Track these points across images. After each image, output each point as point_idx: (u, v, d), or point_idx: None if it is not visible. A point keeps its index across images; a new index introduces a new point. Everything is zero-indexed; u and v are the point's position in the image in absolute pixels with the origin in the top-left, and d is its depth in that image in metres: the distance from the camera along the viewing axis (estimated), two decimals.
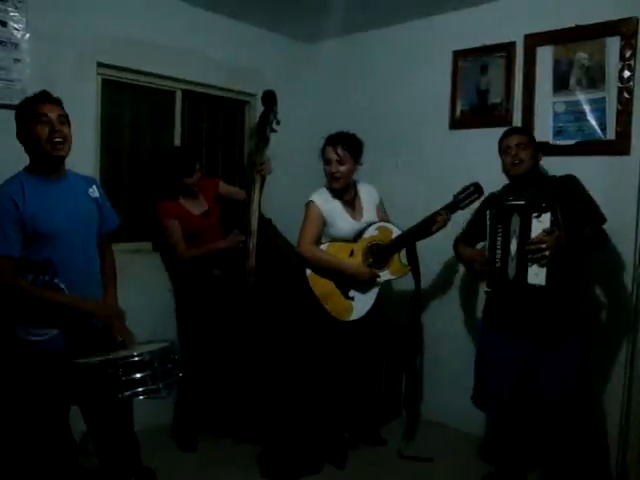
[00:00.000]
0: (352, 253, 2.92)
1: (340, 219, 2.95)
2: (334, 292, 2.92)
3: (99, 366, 1.93)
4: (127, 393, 1.94)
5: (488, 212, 2.56)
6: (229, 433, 3.19)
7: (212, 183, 3.29)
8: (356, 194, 3.03)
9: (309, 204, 2.95)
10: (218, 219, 3.26)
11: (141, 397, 1.97)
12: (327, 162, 2.91)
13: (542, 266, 2.32)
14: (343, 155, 2.87)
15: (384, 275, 2.94)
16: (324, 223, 2.95)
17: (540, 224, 2.33)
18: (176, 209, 3.11)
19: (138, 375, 1.96)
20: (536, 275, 2.34)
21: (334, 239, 2.96)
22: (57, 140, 2.02)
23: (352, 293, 2.92)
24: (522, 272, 2.38)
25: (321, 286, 2.91)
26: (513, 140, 2.58)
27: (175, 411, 3.25)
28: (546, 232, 2.30)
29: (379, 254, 2.92)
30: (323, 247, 2.95)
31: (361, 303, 2.92)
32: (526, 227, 2.37)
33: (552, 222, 2.31)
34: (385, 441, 3.21)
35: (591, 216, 2.47)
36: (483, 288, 2.70)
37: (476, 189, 2.84)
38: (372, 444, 3.18)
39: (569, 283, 2.43)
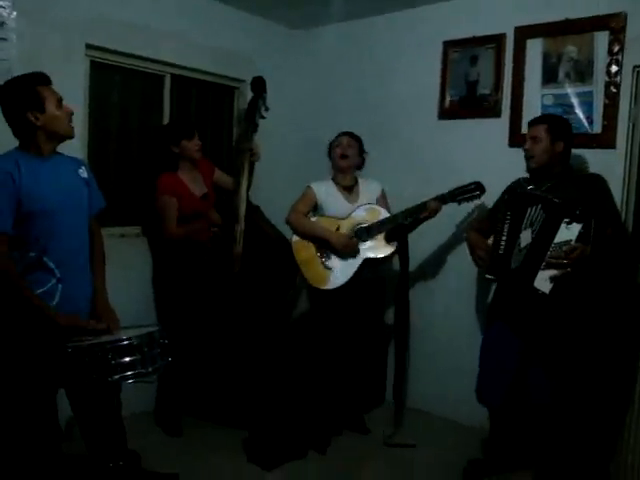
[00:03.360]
0: (338, 228, 3.06)
1: (335, 201, 3.13)
2: (314, 260, 3.07)
3: (89, 349, 1.93)
4: (116, 377, 1.95)
5: (504, 199, 2.52)
6: (215, 418, 3.20)
7: (210, 168, 3.28)
8: (356, 183, 3.20)
9: (306, 187, 3.18)
10: (213, 203, 3.23)
11: (130, 381, 1.98)
12: (338, 144, 3.16)
13: (553, 278, 2.25)
14: (352, 142, 3.16)
15: (366, 252, 3.03)
16: (316, 205, 3.16)
17: (567, 232, 2.23)
18: (177, 185, 3.07)
19: (127, 359, 1.96)
20: (544, 281, 2.27)
21: (324, 215, 3.12)
22: (72, 122, 2.10)
23: (331, 264, 3.05)
24: (529, 271, 2.31)
25: (303, 253, 3.08)
26: (530, 132, 2.56)
27: (157, 396, 3.25)
28: (571, 245, 2.21)
29: (364, 232, 3.04)
30: (312, 219, 3.14)
31: (338, 275, 3.03)
32: (551, 228, 2.27)
33: (580, 235, 2.22)
34: (369, 430, 3.22)
35: (611, 224, 2.38)
36: (483, 275, 2.70)
37: (477, 187, 2.85)
38: (356, 432, 3.21)
39: (575, 292, 2.35)
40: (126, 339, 1.98)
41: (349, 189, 3.18)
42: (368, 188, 3.21)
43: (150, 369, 2.01)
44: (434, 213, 2.90)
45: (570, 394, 2.43)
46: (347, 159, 3.13)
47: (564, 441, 2.49)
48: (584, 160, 2.84)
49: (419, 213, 2.91)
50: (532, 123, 2.61)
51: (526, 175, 2.65)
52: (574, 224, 2.24)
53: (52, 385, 2.09)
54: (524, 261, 2.36)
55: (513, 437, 2.65)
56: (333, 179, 3.21)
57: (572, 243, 2.24)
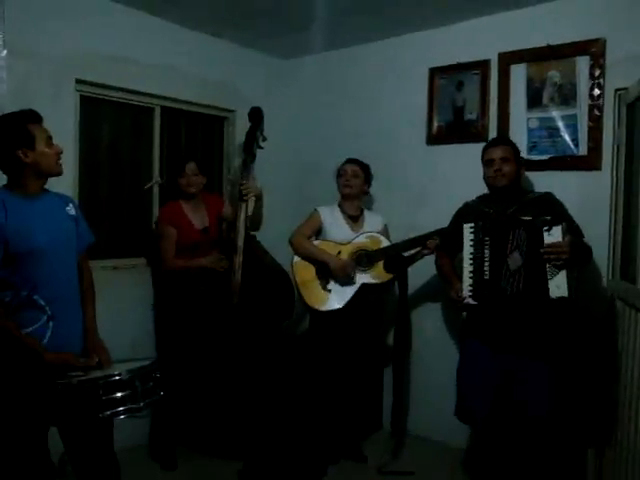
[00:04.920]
0: (339, 253, 3.10)
1: (339, 228, 3.19)
2: (314, 281, 3.11)
3: (79, 386, 1.91)
4: (107, 413, 1.92)
5: (472, 224, 2.53)
6: (210, 450, 3.16)
7: (218, 202, 3.32)
8: (361, 214, 3.28)
9: (313, 211, 3.24)
10: (214, 238, 3.23)
11: (122, 417, 1.96)
12: (342, 174, 3.22)
13: (560, 268, 2.30)
14: (357, 171, 3.21)
15: (365, 277, 3.07)
16: (320, 229, 3.20)
17: (552, 237, 2.32)
18: (177, 215, 3.10)
19: (119, 394, 1.94)
20: (558, 288, 2.31)
21: (326, 239, 3.17)
22: (60, 160, 2.08)
23: (331, 286, 3.09)
24: (539, 288, 2.35)
25: (303, 274, 3.12)
26: (497, 153, 2.59)
27: (152, 429, 3.22)
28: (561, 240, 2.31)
29: (364, 258, 3.09)
30: (315, 243, 3.17)
31: (336, 298, 3.07)
32: (538, 243, 2.34)
33: (564, 234, 2.32)
34: (366, 458, 3.19)
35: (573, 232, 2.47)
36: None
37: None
38: (353, 459, 3.18)
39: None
40: (117, 374, 1.96)
41: (354, 218, 3.24)
42: (372, 220, 3.27)
43: (142, 404, 1.98)
44: (431, 251, 2.94)
45: (572, 401, 2.50)
46: (350, 188, 3.19)
47: (556, 450, 2.50)
48: (530, 182, 2.97)
49: (419, 245, 2.97)
50: (496, 144, 2.66)
51: (474, 198, 2.73)
52: (554, 228, 2.33)
53: (43, 423, 2.06)
54: (527, 282, 2.39)
55: (497, 453, 2.64)
56: (339, 205, 3.26)
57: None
